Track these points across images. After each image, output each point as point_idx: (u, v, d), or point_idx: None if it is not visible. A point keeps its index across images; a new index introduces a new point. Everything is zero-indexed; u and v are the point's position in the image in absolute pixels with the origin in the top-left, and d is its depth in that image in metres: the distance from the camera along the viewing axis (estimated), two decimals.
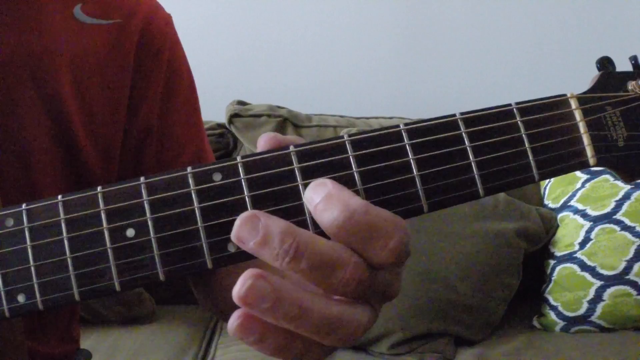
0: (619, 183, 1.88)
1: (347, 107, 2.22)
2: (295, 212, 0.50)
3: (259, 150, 0.53)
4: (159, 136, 0.90)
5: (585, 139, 0.54)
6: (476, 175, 0.52)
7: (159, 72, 0.90)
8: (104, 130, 0.85)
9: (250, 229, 0.47)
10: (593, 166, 0.54)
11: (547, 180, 2.03)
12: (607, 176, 1.91)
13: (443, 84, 2.36)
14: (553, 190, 2.01)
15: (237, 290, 0.45)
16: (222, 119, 2.15)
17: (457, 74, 2.36)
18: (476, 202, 1.91)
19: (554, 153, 0.53)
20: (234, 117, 2.10)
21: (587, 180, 1.93)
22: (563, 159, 0.54)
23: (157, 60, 0.89)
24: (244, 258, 0.51)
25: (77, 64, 0.82)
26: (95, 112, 0.84)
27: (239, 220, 0.47)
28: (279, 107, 2.12)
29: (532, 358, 1.71)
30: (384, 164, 0.51)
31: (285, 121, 2.07)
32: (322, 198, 0.48)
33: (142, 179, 0.51)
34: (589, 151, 0.54)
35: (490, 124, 0.53)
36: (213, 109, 2.14)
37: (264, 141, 0.53)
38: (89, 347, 1.10)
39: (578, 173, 1.96)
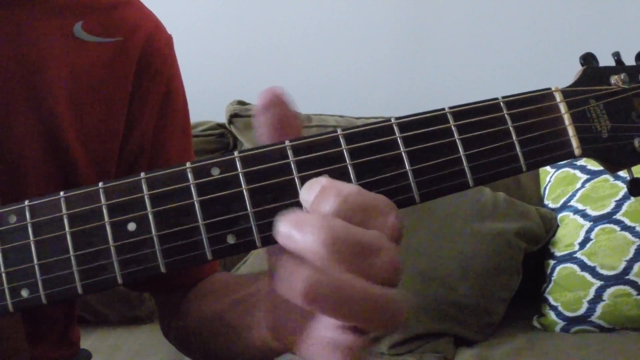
0: (619, 183, 1.88)
1: (347, 107, 2.23)
2: (292, 204, 0.52)
3: (259, 105, 0.54)
4: (151, 156, 0.90)
5: (571, 131, 0.56)
6: (466, 167, 0.54)
7: (157, 92, 0.90)
8: (101, 147, 0.85)
9: (288, 221, 0.47)
10: (578, 157, 0.56)
11: (547, 180, 2.04)
12: (607, 176, 1.90)
13: (443, 84, 2.37)
14: (553, 190, 2.01)
15: (298, 288, 0.45)
16: (222, 119, 2.15)
17: (457, 74, 2.37)
18: (476, 202, 1.92)
19: (541, 144, 0.55)
20: (234, 117, 2.11)
21: (587, 180, 1.93)
22: (549, 149, 0.55)
23: (156, 81, 0.89)
24: (242, 249, 0.52)
25: (75, 81, 0.82)
26: (92, 129, 0.84)
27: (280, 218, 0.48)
28: None
29: (532, 358, 1.70)
30: (376, 156, 0.53)
31: None
32: (317, 193, 0.48)
33: (142, 174, 0.53)
34: (574, 142, 0.56)
35: (478, 117, 0.55)
36: (213, 109, 2.14)
37: (264, 95, 0.53)
38: (89, 347, 1.10)
39: (578, 173, 1.96)
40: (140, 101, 0.88)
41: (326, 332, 0.50)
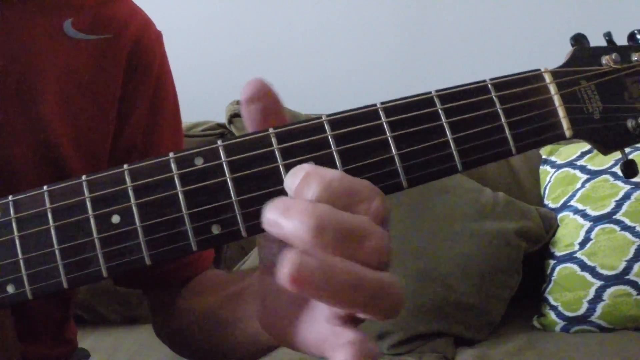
0: (619, 183, 1.88)
1: (347, 107, 2.22)
2: (276, 193, 0.51)
3: (243, 97, 0.54)
4: (143, 153, 0.89)
5: (561, 112, 0.55)
6: (454, 151, 0.53)
7: (147, 88, 0.89)
8: (92, 145, 0.85)
9: (274, 207, 0.47)
10: (569, 138, 0.54)
11: (547, 180, 2.03)
12: (607, 176, 1.90)
13: (443, 84, 2.36)
14: (553, 190, 2.01)
15: (285, 271, 0.43)
16: (222, 119, 2.15)
17: (457, 73, 2.36)
18: (476, 202, 1.91)
19: (530, 126, 0.54)
20: (234, 117, 2.11)
21: (587, 180, 1.93)
22: (539, 131, 0.54)
23: (146, 77, 0.89)
24: (227, 239, 0.51)
25: (65, 80, 0.82)
26: (83, 128, 0.84)
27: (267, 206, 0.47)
28: None
29: (532, 358, 1.70)
30: (362, 142, 0.52)
31: None
32: (300, 179, 0.48)
33: (125, 166, 0.52)
34: (565, 123, 0.55)
35: (465, 99, 0.54)
36: (213, 109, 2.14)
37: (249, 87, 0.54)
38: (89, 347, 1.10)
39: (578, 173, 1.95)
40: (131, 98, 0.88)
41: (323, 323, 0.49)
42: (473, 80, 0.56)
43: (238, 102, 2.15)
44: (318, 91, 2.36)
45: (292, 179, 0.48)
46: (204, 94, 2.18)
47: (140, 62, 0.88)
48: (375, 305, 0.45)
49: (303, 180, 0.48)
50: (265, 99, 0.53)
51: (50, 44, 0.81)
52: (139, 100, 0.89)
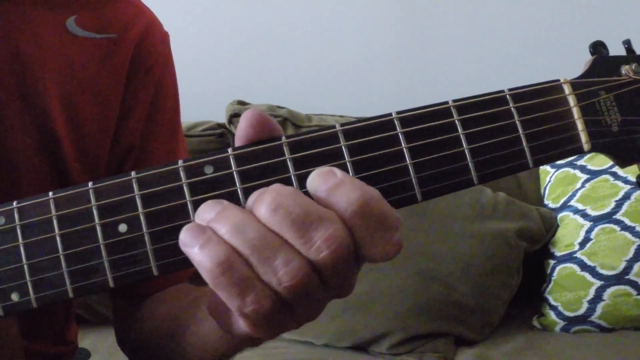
0: (619, 183, 1.88)
1: (347, 107, 2.22)
2: None
3: (240, 128, 0.52)
4: (139, 155, 0.89)
5: (580, 125, 0.54)
6: (470, 163, 0.52)
7: (148, 89, 0.88)
8: (92, 144, 0.85)
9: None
10: (588, 152, 0.53)
11: (547, 180, 2.03)
12: (607, 176, 1.90)
13: (444, 83, 2.35)
14: (553, 190, 2.01)
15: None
16: (222, 119, 2.14)
17: (458, 73, 2.35)
18: (476, 202, 1.91)
19: (548, 139, 0.53)
20: (234, 117, 2.10)
21: (587, 180, 1.93)
22: (557, 145, 0.53)
23: (148, 78, 0.88)
24: None
25: (67, 77, 0.81)
26: (84, 126, 0.83)
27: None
28: (279, 107, 2.12)
29: (532, 358, 1.70)
30: (376, 153, 0.51)
31: (285, 121, 2.07)
32: (334, 184, 0.47)
33: (133, 173, 0.52)
34: (583, 137, 0.54)
35: (482, 110, 0.53)
36: (213, 109, 2.13)
37: (246, 119, 0.52)
38: (89, 347, 1.10)
39: (578, 173, 1.95)
40: (132, 98, 0.87)
41: None
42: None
43: (238, 102, 2.14)
44: (319, 91, 2.36)
45: (322, 182, 0.48)
46: (204, 94, 2.18)
47: (142, 64, 0.87)
48: (256, 257, 0.47)
49: (340, 187, 0.47)
50: (264, 125, 0.53)
51: (53, 40, 0.81)
52: (139, 101, 0.88)
